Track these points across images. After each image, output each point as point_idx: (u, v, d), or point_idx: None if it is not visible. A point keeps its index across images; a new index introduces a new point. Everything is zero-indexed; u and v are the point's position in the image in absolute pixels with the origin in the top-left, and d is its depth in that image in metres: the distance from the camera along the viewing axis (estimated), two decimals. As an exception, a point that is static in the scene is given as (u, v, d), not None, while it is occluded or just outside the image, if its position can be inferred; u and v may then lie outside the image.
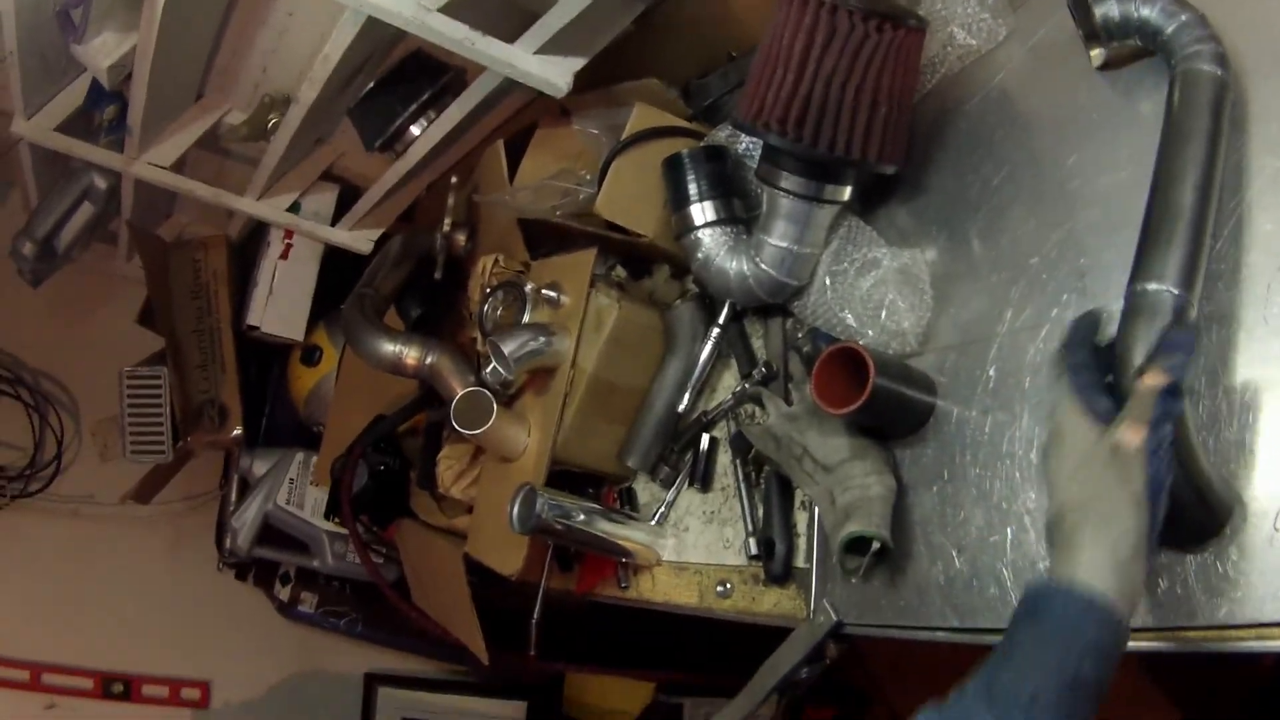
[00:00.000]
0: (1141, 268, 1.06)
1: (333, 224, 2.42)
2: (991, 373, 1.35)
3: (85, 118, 2.19)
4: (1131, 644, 0.97)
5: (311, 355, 2.62)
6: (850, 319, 1.50)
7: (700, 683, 2.87)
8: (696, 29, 1.95)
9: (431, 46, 1.92)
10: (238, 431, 2.66)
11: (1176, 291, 1.03)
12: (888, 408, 1.39)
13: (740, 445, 1.68)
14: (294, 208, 2.38)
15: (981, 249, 1.44)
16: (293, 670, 3.17)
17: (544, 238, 2.00)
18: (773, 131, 1.42)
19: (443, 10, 1.63)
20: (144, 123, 2.07)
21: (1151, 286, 1.04)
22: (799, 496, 1.59)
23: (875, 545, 1.32)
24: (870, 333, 1.47)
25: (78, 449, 2.95)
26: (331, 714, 3.15)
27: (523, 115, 2.16)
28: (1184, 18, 1.16)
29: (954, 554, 1.33)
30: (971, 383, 1.37)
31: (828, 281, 1.53)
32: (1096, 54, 1.30)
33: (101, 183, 2.40)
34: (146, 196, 2.46)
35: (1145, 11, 1.19)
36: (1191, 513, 1.01)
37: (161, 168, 2.22)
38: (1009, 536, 1.26)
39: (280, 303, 2.59)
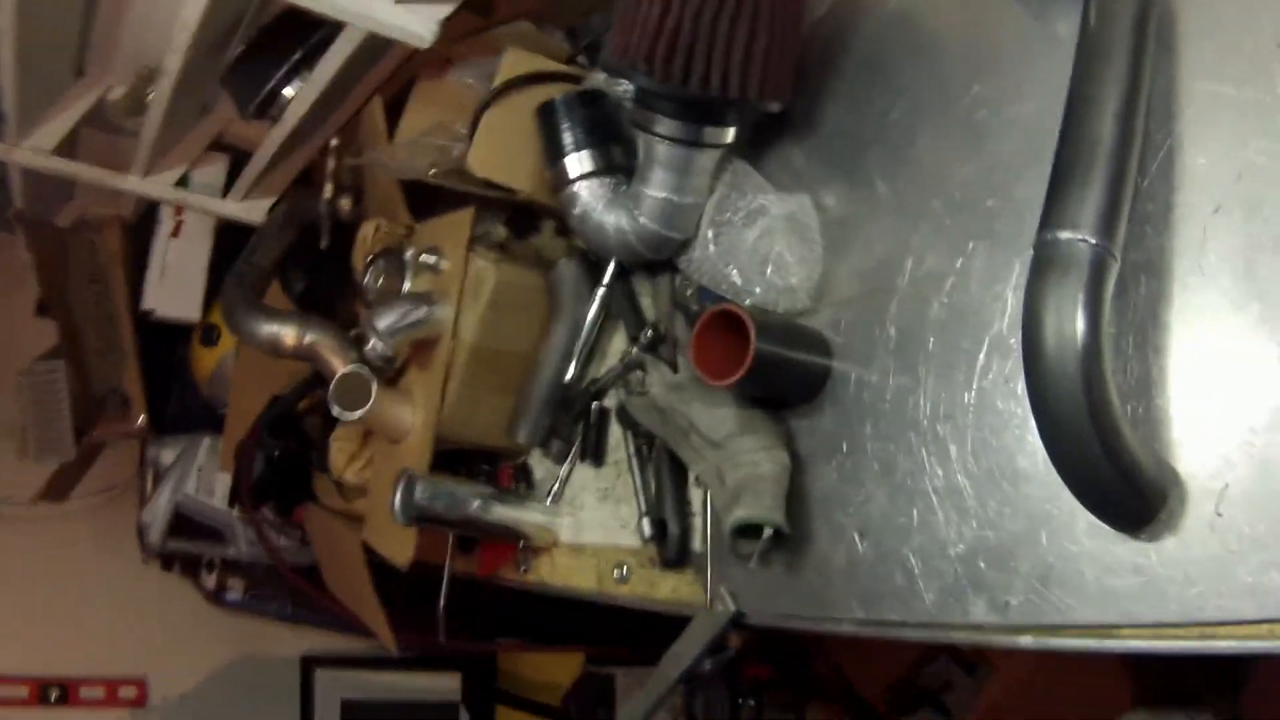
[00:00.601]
0: (1053, 212, 0.86)
1: (224, 196, 2.21)
2: (892, 331, 1.17)
3: None
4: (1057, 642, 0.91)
5: (210, 334, 2.43)
6: (736, 275, 1.30)
7: (626, 655, 2.75)
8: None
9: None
10: (142, 420, 2.48)
11: (1094, 240, 0.83)
12: (774, 375, 1.21)
13: (627, 418, 1.48)
14: (183, 181, 2.18)
15: (881, 189, 1.24)
16: (228, 658, 3.03)
17: (432, 199, 1.78)
18: (640, 71, 1.23)
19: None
20: (20, 105, 1.88)
21: (1064, 235, 0.84)
22: (693, 475, 1.41)
23: (769, 531, 1.15)
24: (758, 290, 1.28)
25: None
26: (271, 699, 3.01)
27: (408, 69, 1.92)
28: None
29: (856, 536, 1.15)
30: (871, 342, 1.19)
31: (711, 234, 1.34)
32: None
33: None
34: (36, 182, 2.26)
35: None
36: (1117, 496, 0.83)
37: (45, 151, 2.01)
38: (914, 518, 1.09)
39: (174, 283, 2.40)
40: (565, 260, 1.59)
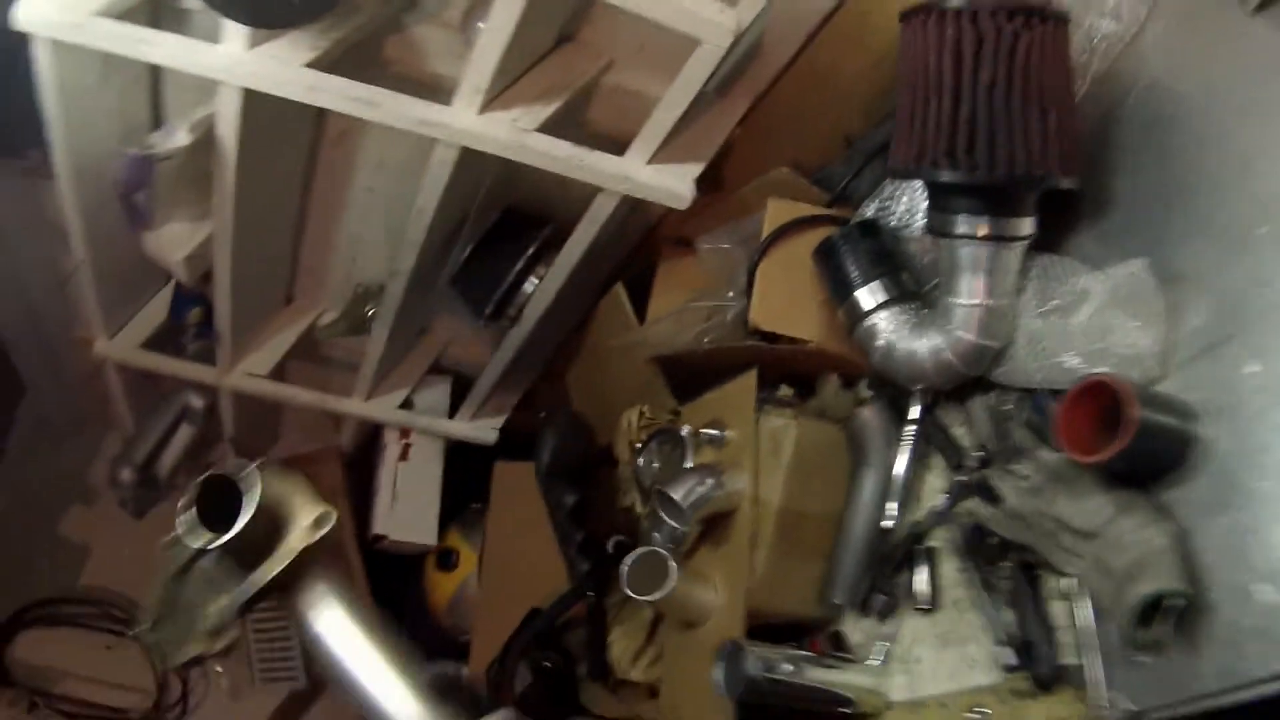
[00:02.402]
0: None
1: (450, 417, 2.37)
2: (1256, 368, 1.23)
3: (172, 331, 2.22)
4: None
5: (448, 559, 2.53)
6: (1074, 361, 1.37)
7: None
8: (804, 120, 1.93)
9: (525, 199, 1.91)
10: None
11: None
12: (1153, 441, 1.25)
13: (972, 545, 1.53)
14: (406, 404, 2.35)
15: (1184, 246, 1.36)
16: None
17: (687, 385, 1.93)
18: (943, 166, 1.36)
19: (541, 130, 1.61)
20: (234, 327, 2.08)
21: None
22: (1051, 588, 1.45)
23: (1177, 603, 1.19)
24: (1102, 367, 1.35)
25: (205, 688, 2.86)
26: None
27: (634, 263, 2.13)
28: None
29: (1264, 584, 1.18)
30: (1232, 387, 1.25)
31: (1039, 326, 1.43)
32: None
33: (197, 401, 2.40)
34: (247, 412, 2.44)
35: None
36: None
37: (259, 376, 2.21)
38: None
39: (406, 507, 2.53)
40: (865, 408, 1.66)
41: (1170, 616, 1.20)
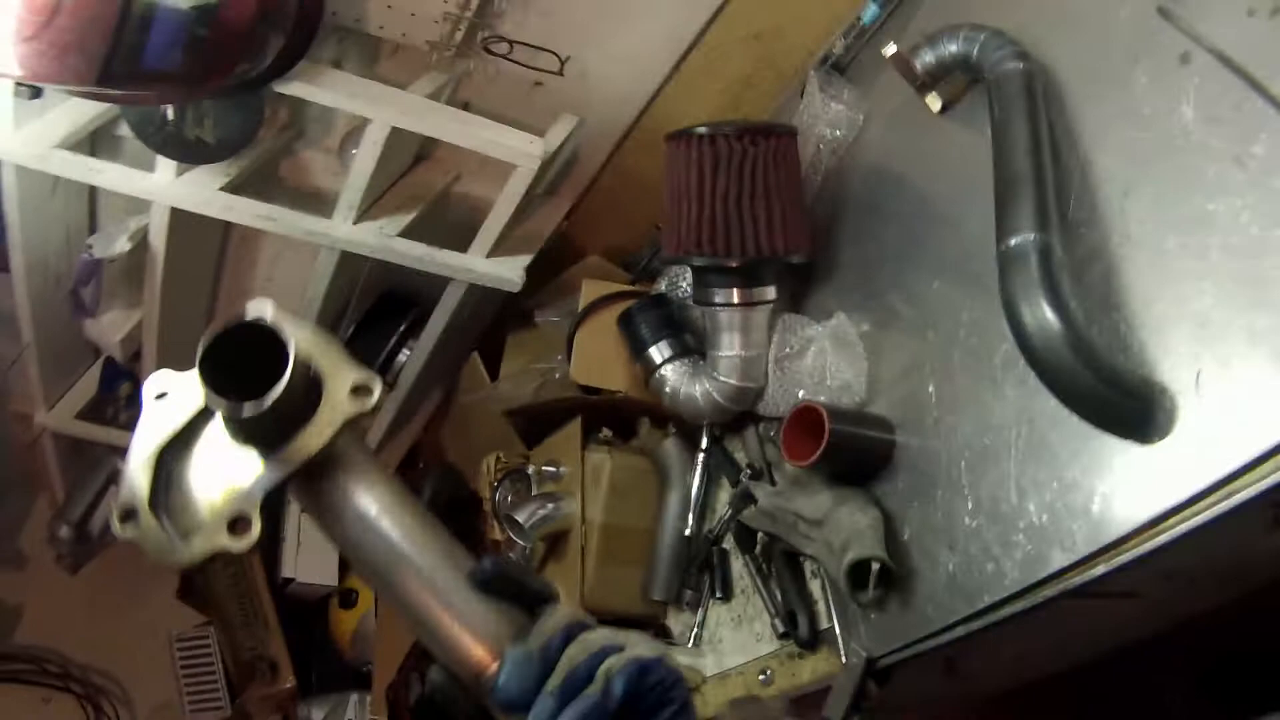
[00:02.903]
0: (1001, 229, 1.33)
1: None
2: (931, 389, 1.60)
3: (101, 403, 2.53)
4: (1124, 557, 1.21)
5: (349, 598, 2.88)
6: (803, 394, 1.78)
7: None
8: (619, 212, 2.35)
9: (397, 284, 2.33)
10: (291, 683, 2.85)
11: (1033, 236, 1.28)
12: (850, 448, 1.65)
13: (744, 541, 1.92)
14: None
15: (894, 295, 1.73)
16: None
17: (533, 432, 2.33)
18: (693, 254, 1.77)
19: (402, 235, 2.03)
20: None
21: (1013, 241, 1.30)
22: (808, 570, 1.82)
23: (876, 567, 1.53)
24: (822, 396, 1.76)
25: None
26: None
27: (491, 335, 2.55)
28: (982, 38, 1.51)
29: (948, 551, 1.50)
30: (920, 405, 1.62)
31: (777, 372, 1.83)
32: (932, 99, 1.65)
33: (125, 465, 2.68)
34: None
35: (952, 47, 1.54)
36: (1116, 406, 1.22)
37: None
38: (982, 515, 1.45)
39: (309, 552, 2.85)
40: (667, 440, 2.07)
41: (878, 579, 1.54)
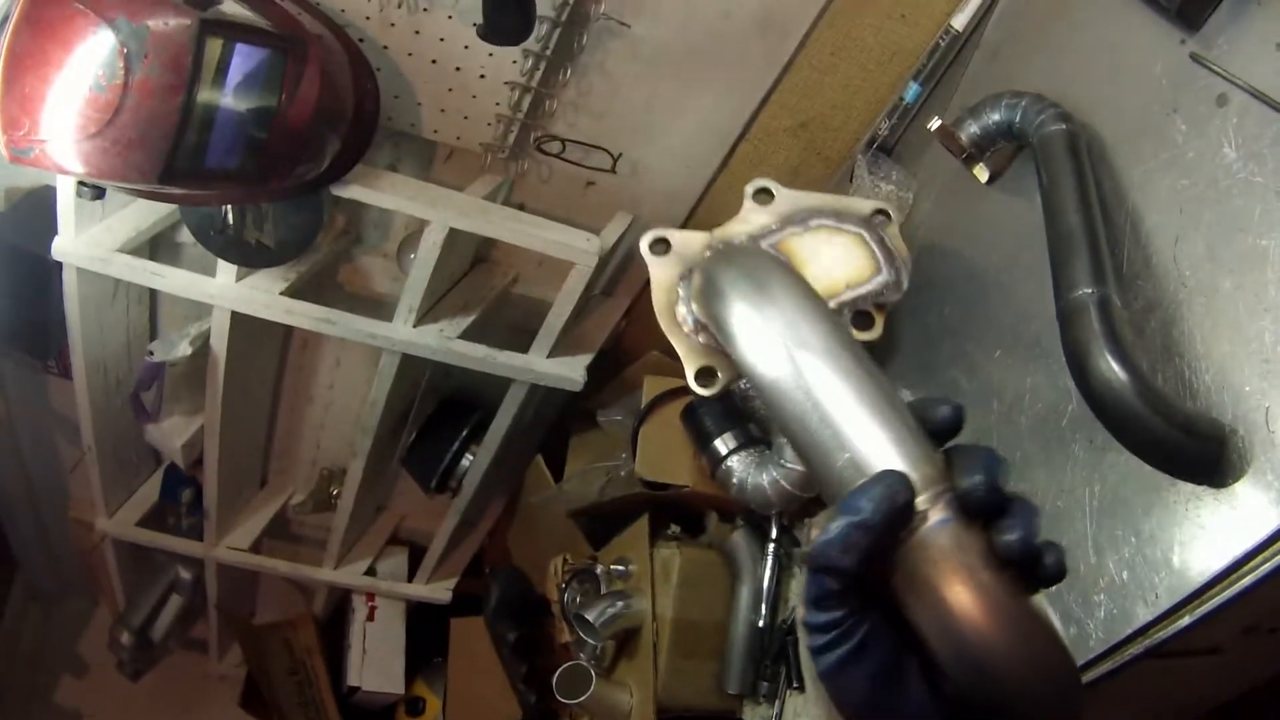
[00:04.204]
0: (1059, 287, 1.33)
1: (409, 581, 2.75)
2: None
3: (163, 511, 2.56)
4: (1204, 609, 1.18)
5: (416, 706, 2.87)
6: None
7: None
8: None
9: (459, 387, 2.35)
10: None
11: (1092, 290, 1.28)
12: None
13: None
14: (370, 571, 2.72)
15: (956, 368, 1.74)
16: None
17: (600, 532, 2.33)
18: None
19: (462, 336, 2.06)
20: (219, 505, 2.44)
21: (1072, 296, 1.29)
22: None
23: None
24: None
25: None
26: None
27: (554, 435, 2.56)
28: (1024, 103, 1.53)
29: None
30: None
31: None
32: (980, 170, 1.66)
33: (186, 573, 2.72)
34: (231, 582, 2.76)
35: (995, 115, 1.56)
36: (1187, 451, 1.19)
37: (241, 550, 2.57)
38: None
39: (375, 661, 2.84)
40: (736, 533, 2.05)
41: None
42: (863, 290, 0.96)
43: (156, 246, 2.12)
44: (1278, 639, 1.35)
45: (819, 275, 0.96)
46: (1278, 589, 1.15)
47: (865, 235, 1.01)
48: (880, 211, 1.01)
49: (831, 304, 0.93)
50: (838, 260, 0.98)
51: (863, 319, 0.94)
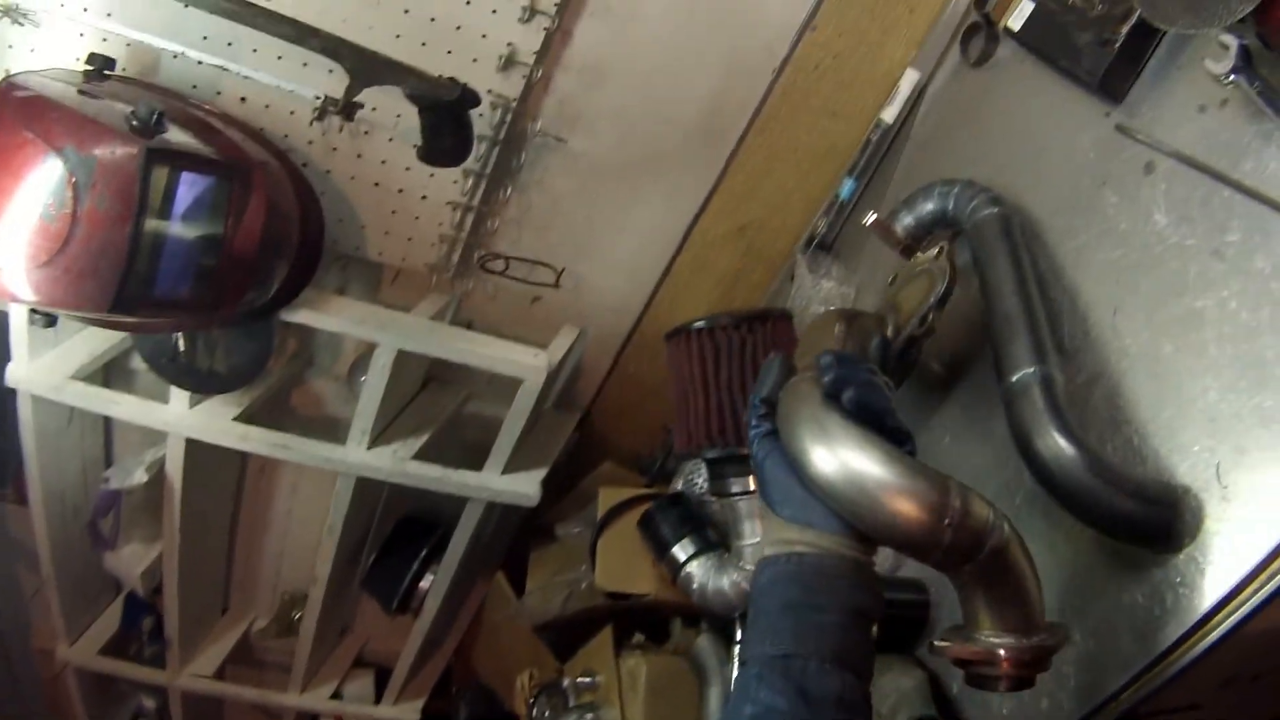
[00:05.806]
0: (1001, 368, 1.36)
1: (376, 703, 2.69)
2: None
3: (125, 639, 2.51)
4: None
5: None
6: None
7: None
8: (628, 417, 2.38)
9: (416, 508, 2.34)
10: None
11: (1033, 369, 1.31)
12: (884, 619, 1.65)
13: None
14: (336, 695, 2.67)
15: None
16: None
17: (565, 644, 2.30)
18: (705, 447, 1.76)
19: (416, 457, 2.06)
20: (181, 632, 2.40)
21: (1014, 378, 1.32)
22: None
23: None
24: None
25: None
26: None
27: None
28: (955, 190, 1.57)
29: (999, 698, 1.45)
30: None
31: None
32: None
33: (150, 702, 2.67)
34: (194, 712, 2.68)
35: (929, 205, 1.60)
36: (1144, 517, 1.21)
37: (204, 677, 2.51)
38: None
39: None
40: (700, 637, 2.03)
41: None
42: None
43: (110, 372, 2.13)
44: (1261, 686, 1.34)
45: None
46: (1249, 640, 1.16)
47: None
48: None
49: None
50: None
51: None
